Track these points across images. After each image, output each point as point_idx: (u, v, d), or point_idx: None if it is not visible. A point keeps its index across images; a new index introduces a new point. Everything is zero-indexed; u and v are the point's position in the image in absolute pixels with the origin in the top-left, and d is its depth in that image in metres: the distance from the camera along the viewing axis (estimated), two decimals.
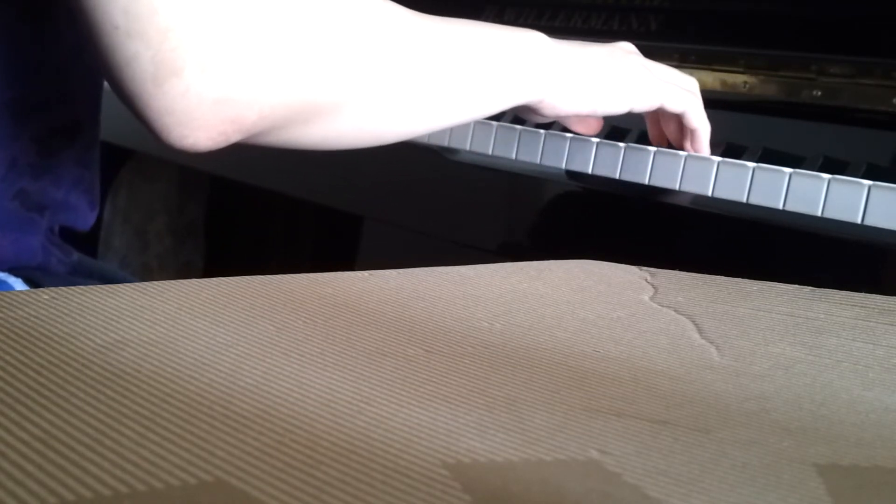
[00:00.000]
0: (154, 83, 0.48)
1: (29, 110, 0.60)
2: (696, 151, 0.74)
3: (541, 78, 0.66)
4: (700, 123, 0.73)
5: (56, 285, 0.64)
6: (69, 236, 0.69)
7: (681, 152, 0.73)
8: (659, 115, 0.76)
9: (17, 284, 0.63)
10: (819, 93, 0.76)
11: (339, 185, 0.98)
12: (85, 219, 0.68)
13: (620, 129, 0.82)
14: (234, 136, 0.52)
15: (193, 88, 0.48)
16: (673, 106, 0.72)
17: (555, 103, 0.67)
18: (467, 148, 0.85)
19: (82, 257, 0.70)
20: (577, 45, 0.69)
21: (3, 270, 0.62)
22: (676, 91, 0.72)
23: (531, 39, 0.66)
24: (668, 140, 0.77)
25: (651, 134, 0.78)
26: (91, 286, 0.44)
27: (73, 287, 0.43)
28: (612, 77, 0.69)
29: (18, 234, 0.61)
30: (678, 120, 0.74)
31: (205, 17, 0.48)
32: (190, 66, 0.48)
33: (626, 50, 0.72)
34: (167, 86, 0.48)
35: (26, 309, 0.39)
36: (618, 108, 0.71)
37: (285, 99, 0.52)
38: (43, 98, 0.60)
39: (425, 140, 0.87)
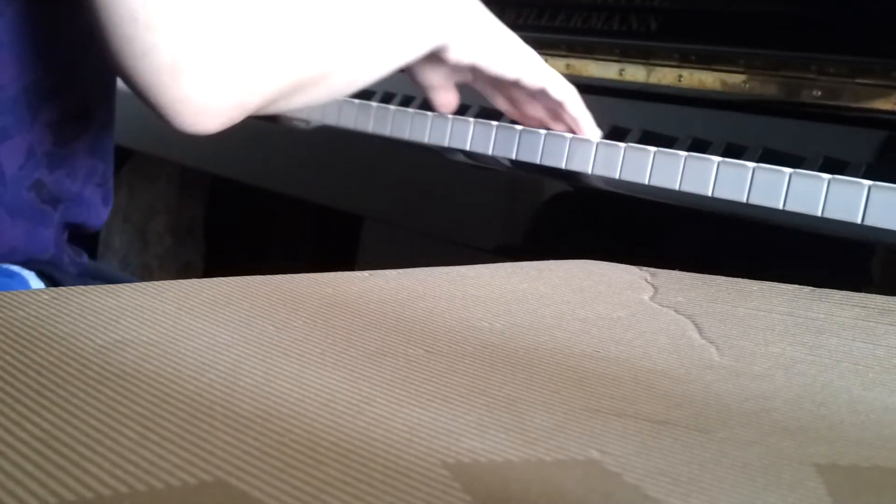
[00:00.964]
0: (171, 75, 0.52)
1: (44, 95, 0.60)
2: (580, 135, 0.80)
3: (450, 22, 0.72)
4: (579, 113, 0.79)
5: (69, 280, 0.64)
6: (75, 236, 0.69)
7: (681, 153, 0.73)
8: (523, 100, 0.81)
9: (32, 278, 0.63)
10: (819, 93, 0.76)
11: (339, 185, 0.98)
12: (98, 214, 0.68)
13: (620, 128, 0.82)
14: (238, 118, 0.57)
15: (208, 80, 0.52)
16: (556, 92, 0.77)
17: (458, 50, 0.73)
18: (467, 148, 0.85)
19: (91, 262, 0.70)
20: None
21: (17, 263, 0.62)
22: (560, 80, 0.78)
23: None
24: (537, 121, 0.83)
25: (505, 110, 0.84)
26: (91, 286, 0.44)
27: (72, 287, 0.43)
28: (510, 40, 0.76)
29: (31, 225, 0.62)
30: (550, 106, 0.80)
31: (218, 17, 0.52)
32: (205, 60, 0.52)
33: None
34: (184, 78, 0.52)
35: (26, 309, 0.39)
36: (511, 71, 0.76)
37: (281, 81, 0.58)
38: (57, 82, 0.61)
39: (425, 140, 0.87)
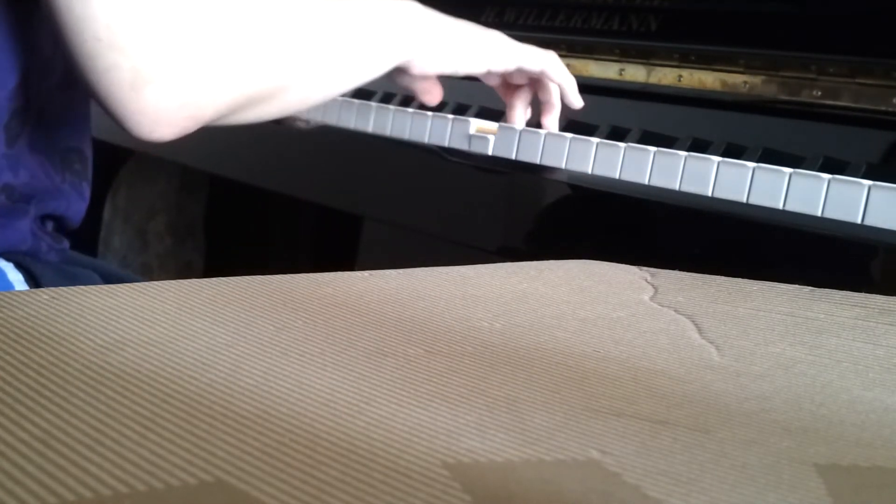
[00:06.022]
0: (131, 89, 0.56)
1: (11, 100, 0.61)
2: (569, 105, 0.81)
3: (411, 40, 0.75)
4: (562, 78, 0.80)
5: (48, 272, 0.65)
6: (65, 232, 0.69)
7: (681, 153, 0.73)
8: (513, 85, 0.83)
9: (9, 269, 0.63)
10: (819, 93, 0.76)
11: (339, 185, 0.98)
12: (77, 208, 0.68)
13: (620, 129, 0.82)
14: (192, 128, 0.61)
15: (164, 95, 0.57)
16: (531, 66, 0.79)
17: (422, 63, 0.76)
18: (467, 148, 0.85)
19: (74, 253, 0.70)
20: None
21: None
22: (533, 53, 0.79)
23: (402, 7, 0.75)
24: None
25: (508, 105, 0.84)
26: (91, 286, 0.44)
27: (73, 287, 0.43)
28: (472, 39, 0.78)
29: (6, 220, 0.62)
30: (543, 86, 0.81)
31: (174, 36, 0.57)
32: (162, 76, 0.57)
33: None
34: (142, 92, 0.57)
35: (26, 309, 0.39)
36: (478, 67, 0.79)
37: (234, 96, 0.62)
38: (23, 87, 0.61)
39: (425, 140, 0.87)
